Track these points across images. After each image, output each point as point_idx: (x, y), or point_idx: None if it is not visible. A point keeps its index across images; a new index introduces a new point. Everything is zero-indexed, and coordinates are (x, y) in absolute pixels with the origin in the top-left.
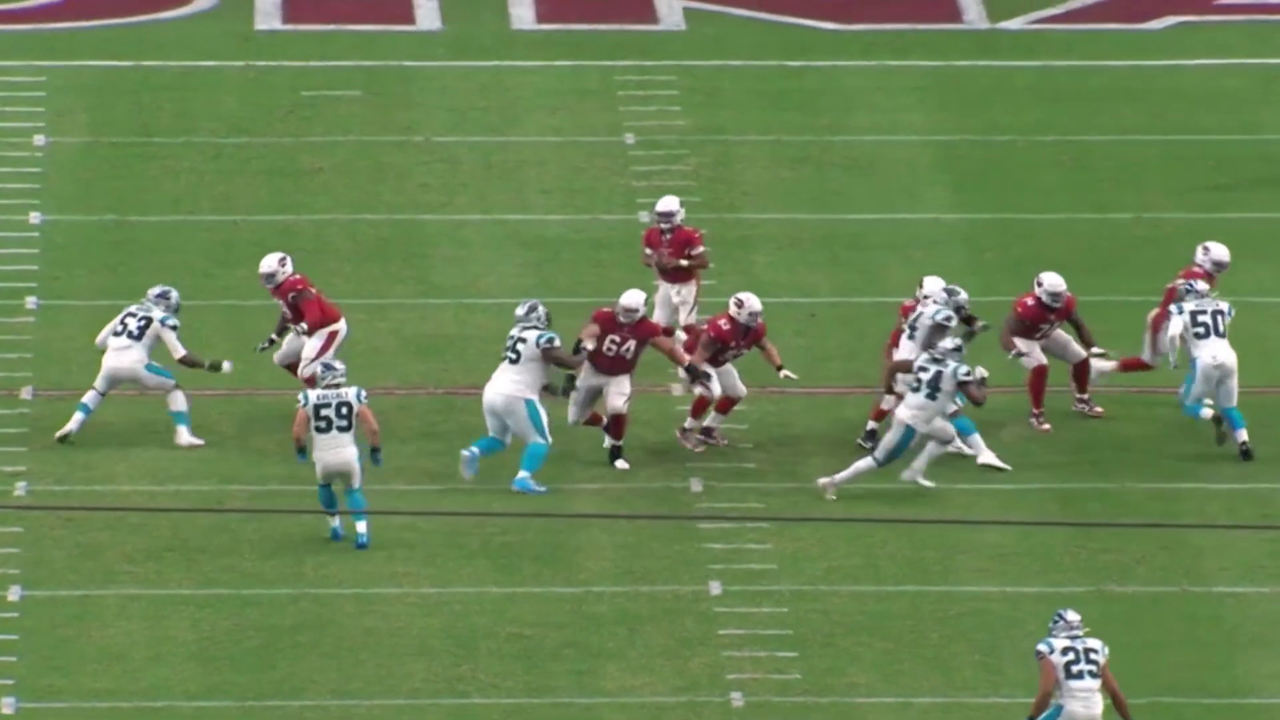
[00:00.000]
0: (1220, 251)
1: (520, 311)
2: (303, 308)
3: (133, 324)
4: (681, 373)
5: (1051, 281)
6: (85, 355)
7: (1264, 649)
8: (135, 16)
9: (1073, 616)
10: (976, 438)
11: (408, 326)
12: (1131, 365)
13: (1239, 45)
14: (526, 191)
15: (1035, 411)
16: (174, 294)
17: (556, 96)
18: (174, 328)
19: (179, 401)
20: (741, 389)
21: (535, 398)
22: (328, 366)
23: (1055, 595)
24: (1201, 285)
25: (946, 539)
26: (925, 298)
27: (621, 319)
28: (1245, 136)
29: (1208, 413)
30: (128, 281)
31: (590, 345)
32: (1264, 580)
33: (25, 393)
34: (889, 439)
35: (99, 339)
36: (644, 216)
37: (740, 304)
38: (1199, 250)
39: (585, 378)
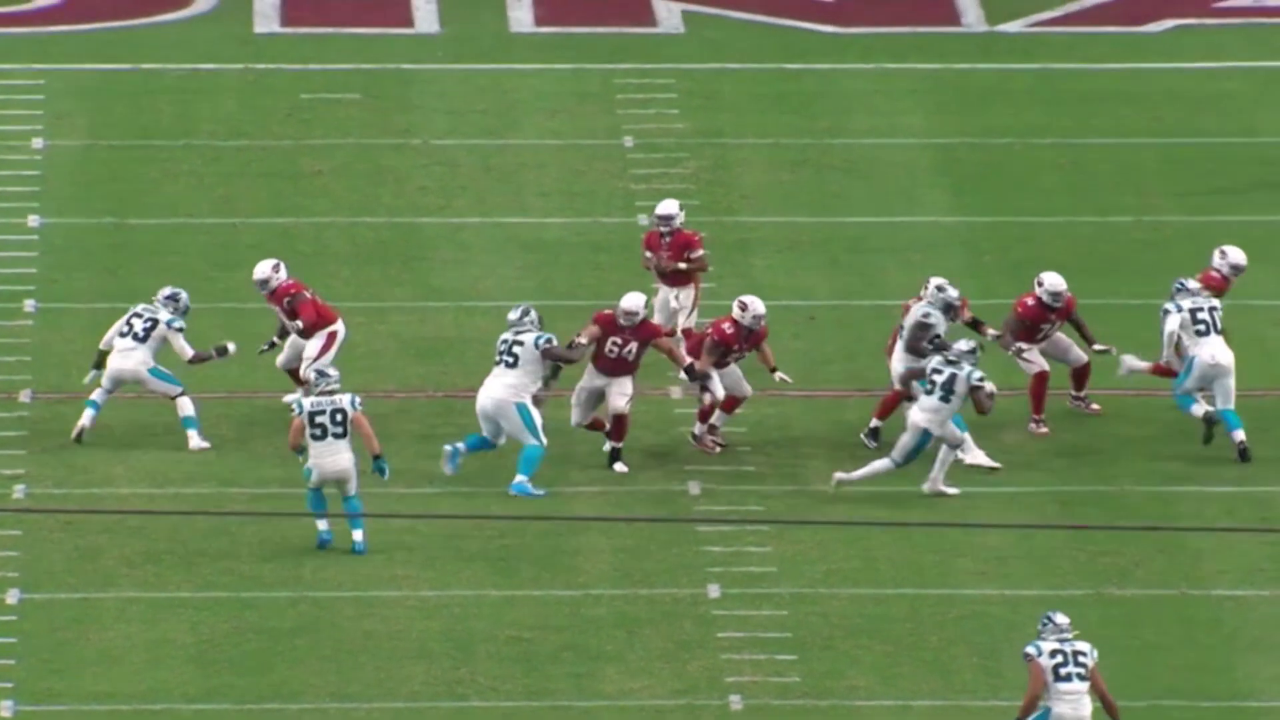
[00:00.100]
0: (1237, 255)
1: (513, 316)
2: (298, 310)
3: (138, 325)
4: (681, 374)
5: (1052, 281)
6: (84, 358)
7: (1263, 652)
8: (134, 19)
9: (1061, 619)
10: (966, 436)
11: (407, 329)
12: (1164, 371)
13: (1237, 48)
14: (525, 194)
15: (1035, 418)
16: (183, 296)
17: (555, 99)
18: (180, 330)
19: (187, 407)
20: (747, 388)
21: (528, 401)
22: (321, 373)
23: (1054, 598)
24: (1192, 283)
25: (945, 542)
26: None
27: (622, 322)
28: (1243, 139)
29: (1199, 410)
30: (127, 284)
31: (583, 342)
32: (1263, 583)
33: (24, 395)
34: (905, 441)
35: (104, 340)
36: (643, 219)
37: (744, 307)
38: (1216, 254)
39: (587, 379)
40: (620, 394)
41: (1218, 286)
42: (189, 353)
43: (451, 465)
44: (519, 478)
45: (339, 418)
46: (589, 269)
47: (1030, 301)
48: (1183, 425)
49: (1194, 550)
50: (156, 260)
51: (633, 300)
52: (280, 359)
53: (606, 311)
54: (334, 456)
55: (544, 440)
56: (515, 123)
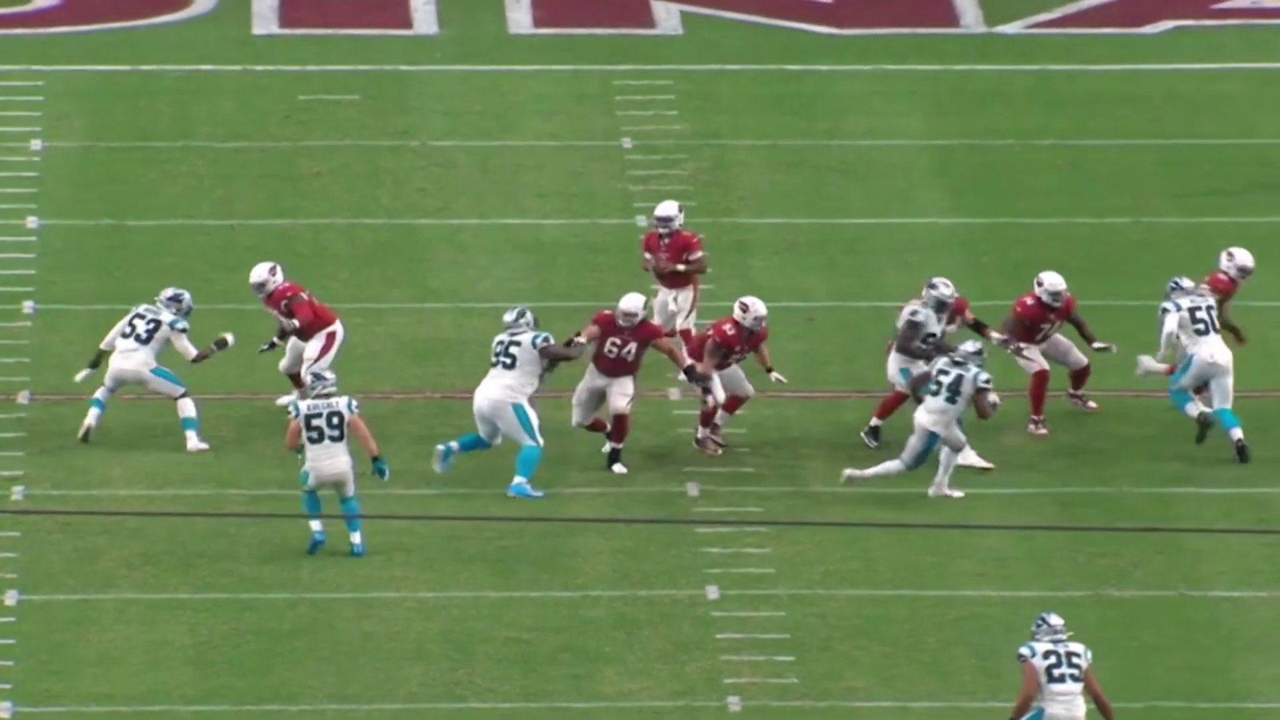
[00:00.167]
0: (1244, 257)
1: (509, 317)
2: (295, 311)
3: (141, 326)
4: (681, 375)
5: (1052, 281)
6: (83, 359)
7: (1261, 653)
8: (133, 21)
9: (1055, 620)
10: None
11: (405, 331)
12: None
13: (1235, 49)
14: (524, 196)
15: (1034, 418)
16: (186, 296)
17: (554, 101)
18: (184, 331)
19: (188, 408)
20: (749, 388)
21: (525, 402)
22: (318, 376)
23: (1052, 599)
24: (1186, 281)
25: (944, 543)
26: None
27: (621, 323)
28: (1241, 141)
29: (1194, 409)
30: (125, 286)
31: (583, 341)
32: (1261, 584)
33: (22, 397)
34: (913, 444)
35: (106, 340)
36: (641, 221)
37: (745, 308)
38: (1223, 256)
39: (588, 379)
40: (621, 394)
41: (1225, 289)
42: (192, 353)
43: (443, 464)
44: (517, 479)
45: (335, 420)
46: (587, 270)
47: (1029, 301)
48: (1181, 426)
49: (1192, 551)
50: (155, 262)
51: (631, 301)
52: (283, 364)
53: (606, 312)
54: (331, 459)
55: (540, 441)
56: (513, 124)
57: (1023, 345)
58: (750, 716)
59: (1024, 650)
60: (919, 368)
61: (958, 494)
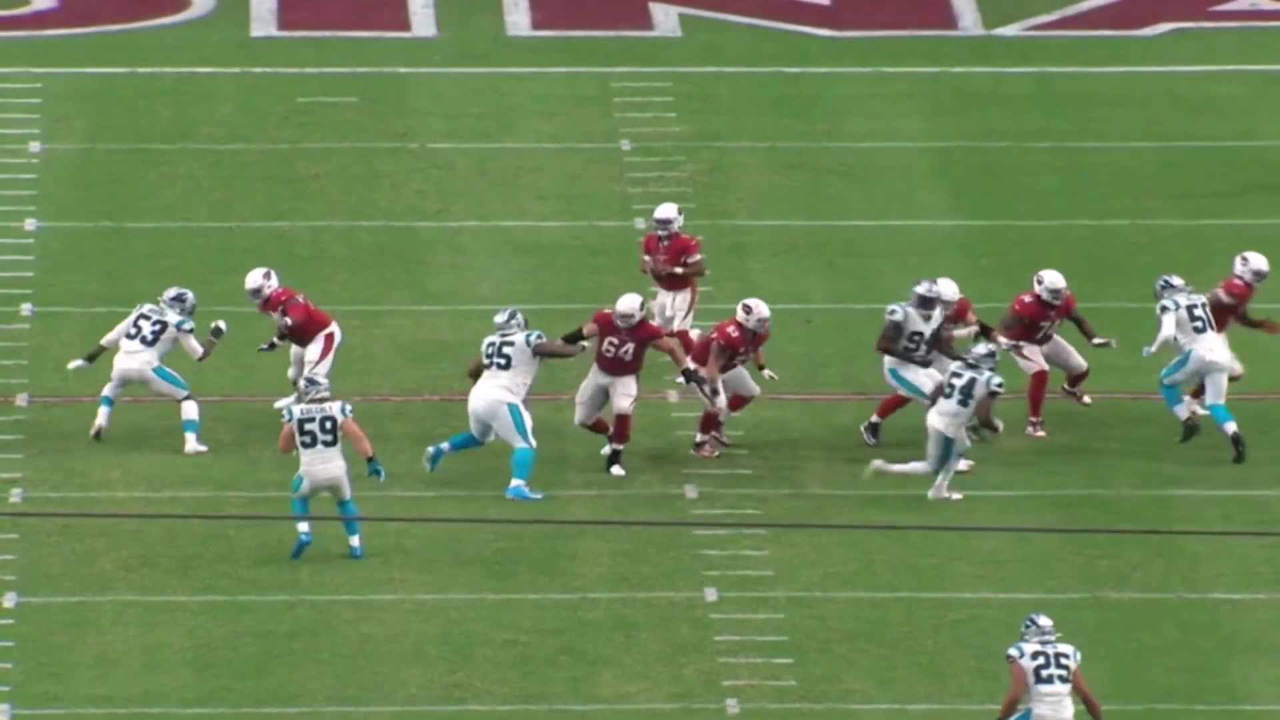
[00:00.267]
0: (1259, 261)
1: (500, 319)
2: (289, 312)
3: (146, 328)
4: (680, 377)
5: (1052, 279)
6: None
7: (1260, 655)
8: (131, 23)
9: (1044, 621)
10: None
11: (403, 333)
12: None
13: (1233, 52)
14: (522, 198)
15: (1033, 419)
16: (189, 296)
17: (552, 103)
18: (190, 331)
19: (191, 411)
20: (754, 388)
21: (519, 402)
22: (311, 381)
23: (1051, 601)
24: (1177, 280)
25: (942, 545)
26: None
27: (619, 324)
28: (1240, 142)
29: (1184, 412)
30: (124, 288)
31: (585, 345)
32: (1260, 586)
33: (21, 399)
34: (932, 449)
35: (108, 338)
36: (640, 223)
37: (748, 310)
38: (1237, 261)
39: (592, 377)
40: (624, 395)
41: (1241, 294)
42: (199, 352)
43: (432, 465)
44: (515, 482)
45: (329, 425)
46: (586, 272)
47: (1028, 299)
48: (1195, 416)
49: (1191, 554)
50: (154, 264)
51: (628, 303)
52: (291, 373)
53: (605, 311)
54: (325, 464)
55: (533, 443)
56: (512, 126)
57: (1023, 345)
58: (748, 718)
59: (1012, 651)
60: (911, 370)
61: (957, 496)
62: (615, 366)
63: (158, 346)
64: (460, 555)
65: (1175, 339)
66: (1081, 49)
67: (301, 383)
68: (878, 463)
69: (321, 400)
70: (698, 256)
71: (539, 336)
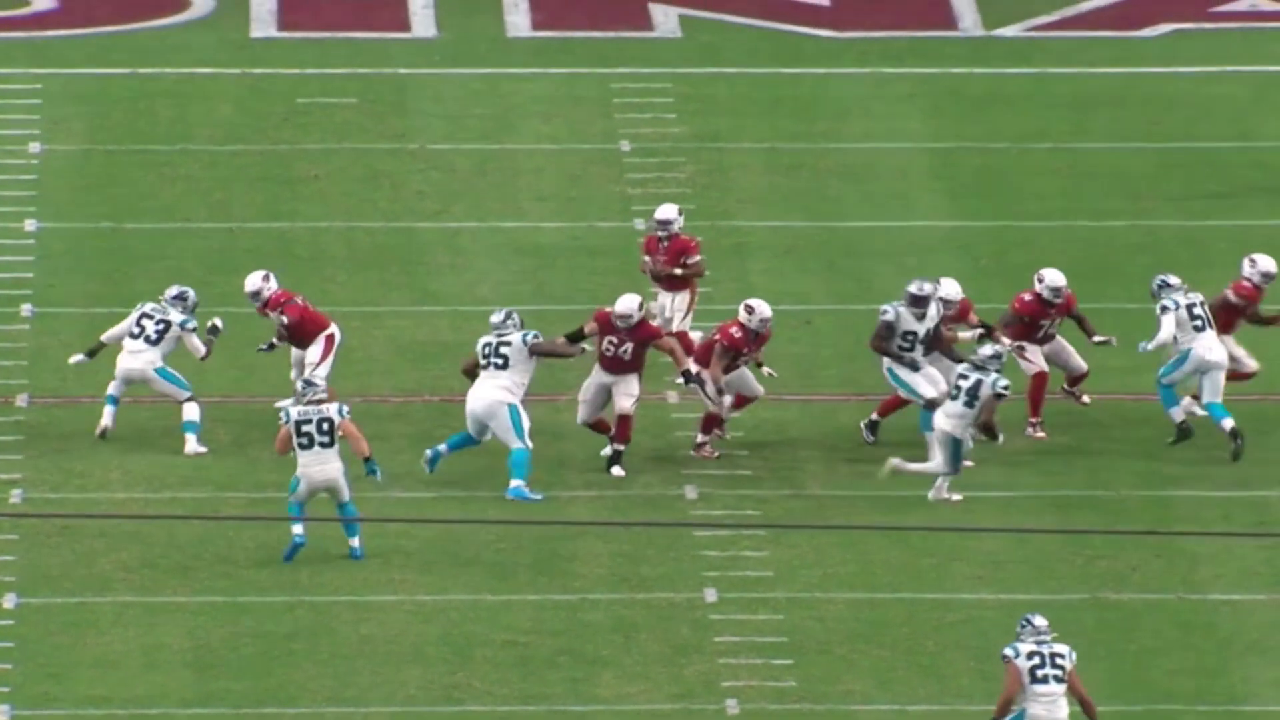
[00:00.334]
0: (1267, 263)
1: (496, 319)
2: (286, 311)
3: (150, 327)
4: (679, 378)
5: (1053, 277)
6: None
7: (1259, 656)
8: (131, 24)
9: (1040, 621)
10: (932, 435)
11: (403, 334)
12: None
13: (1233, 52)
14: (522, 199)
15: (1032, 420)
16: (191, 294)
17: (552, 104)
18: (194, 330)
19: (192, 412)
20: (758, 389)
21: (518, 403)
22: (309, 383)
23: (1050, 602)
24: (1172, 278)
25: (942, 546)
26: (941, 299)
27: (618, 325)
28: (1240, 144)
29: (1178, 415)
30: (123, 289)
31: (587, 348)
32: (1259, 587)
33: (21, 400)
34: (940, 451)
35: (109, 334)
36: (639, 224)
37: (751, 310)
38: (1245, 263)
39: (595, 376)
40: (626, 395)
41: (1250, 295)
42: (202, 351)
43: (430, 468)
44: (514, 482)
45: (325, 426)
46: (585, 273)
47: (1028, 297)
48: (1190, 420)
49: (1190, 554)
50: (153, 265)
51: (626, 303)
52: (292, 374)
53: (605, 310)
54: (322, 466)
55: (529, 444)
56: (512, 127)
57: (1024, 345)
58: (748, 719)
59: (1008, 651)
60: (905, 370)
61: (957, 497)
62: (616, 366)
63: (161, 346)
64: (460, 556)
65: (1174, 340)
66: (1081, 50)
67: (299, 384)
68: (895, 461)
69: (319, 402)
70: (697, 257)
71: (536, 336)
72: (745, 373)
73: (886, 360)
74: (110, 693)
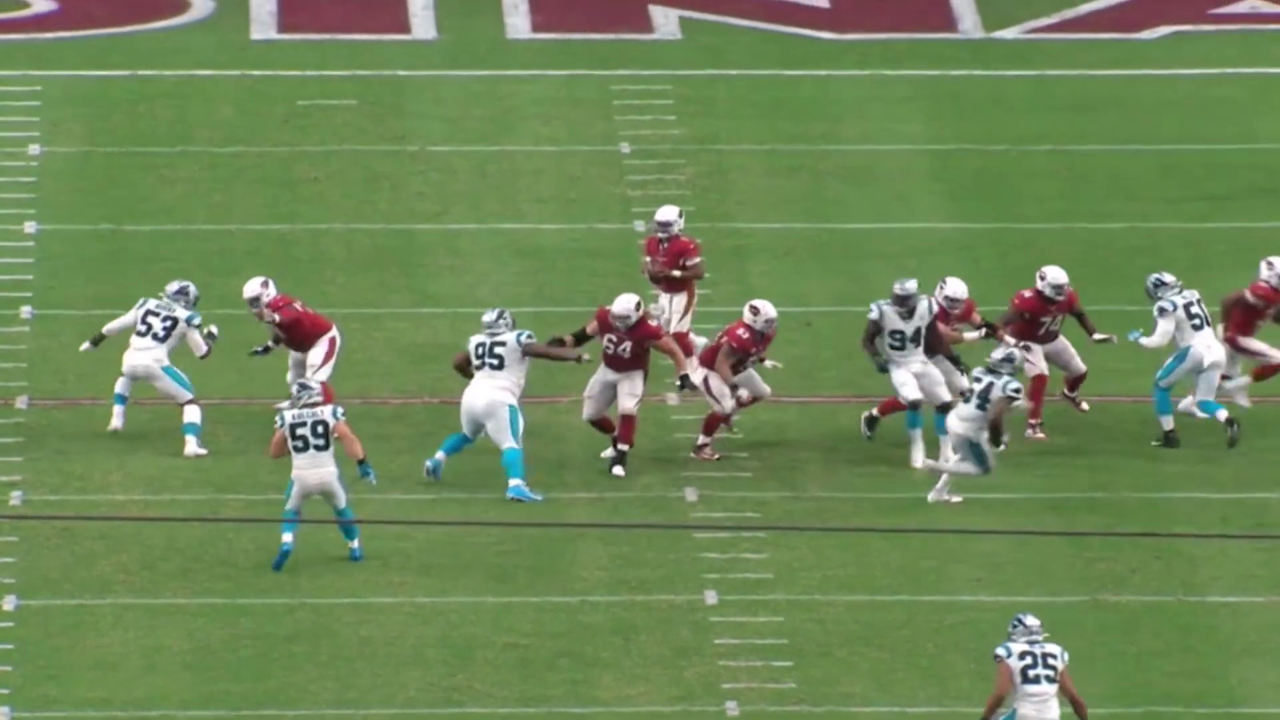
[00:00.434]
0: None
1: (489, 318)
2: (281, 314)
3: (156, 324)
4: (677, 380)
5: (1054, 275)
6: (81, 364)
7: (1258, 658)
8: (130, 26)
9: (1031, 621)
10: (917, 433)
11: (403, 336)
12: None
13: (1233, 55)
14: (522, 200)
15: (1032, 422)
16: (191, 288)
17: (552, 106)
18: (198, 326)
19: (193, 414)
20: (765, 389)
21: (516, 402)
22: (303, 386)
23: (1050, 604)
24: (1169, 277)
25: (941, 548)
26: (946, 298)
27: (617, 325)
28: (1239, 145)
29: (1169, 423)
30: (123, 291)
31: (591, 331)
32: (1258, 589)
33: (20, 402)
34: (958, 454)
35: (110, 326)
36: (639, 225)
37: (756, 311)
38: (1263, 266)
39: (600, 374)
40: (630, 394)
41: (1269, 297)
42: (203, 349)
43: (435, 476)
44: (514, 482)
45: (320, 429)
46: (585, 275)
47: (1029, 294)
48: (1180, 430)
49: (1189, 557)
50: (153, 267)
51: (623, 304)
52: (290, 377)
53: (607, 308)
54: (316, 469)
55: (520, 444)
56: (511, 129)
57: (1027, 345)
58: None
59: (1000, 651)
60: (893, 369)
61: (956, 499)
62: (618, 364)
63: (169, 342)
64: (460, 558)
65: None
66: (1080, 52)
67: (294, 387)
68: (927, 460)
69: (313, 405)
70: (697, 259)
71: (529, 336)
72: (752, 373)
73: (878, 360)
74: (110, 695)
